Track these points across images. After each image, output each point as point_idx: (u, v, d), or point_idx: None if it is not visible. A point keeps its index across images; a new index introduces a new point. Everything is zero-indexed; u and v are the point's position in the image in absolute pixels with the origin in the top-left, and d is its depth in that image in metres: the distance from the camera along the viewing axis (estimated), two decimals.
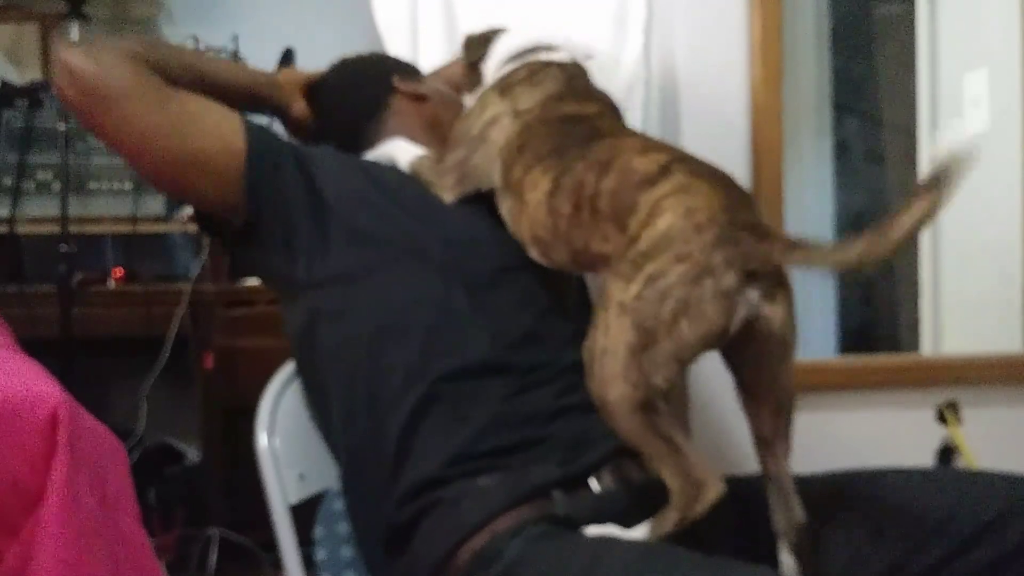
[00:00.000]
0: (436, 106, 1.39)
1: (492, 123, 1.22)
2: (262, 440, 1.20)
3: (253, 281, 2.02)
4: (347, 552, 1.21)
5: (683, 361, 0.96)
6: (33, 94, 2.25)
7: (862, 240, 0.87)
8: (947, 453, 1.59)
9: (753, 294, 0.94)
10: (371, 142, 1.37)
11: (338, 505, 1.22)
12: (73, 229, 2.21)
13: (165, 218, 2.40)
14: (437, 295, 1.17)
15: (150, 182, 1.29)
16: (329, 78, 1.43)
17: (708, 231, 0.95)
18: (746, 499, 1.08)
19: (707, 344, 0.96)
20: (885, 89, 2.32)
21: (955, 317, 2.04)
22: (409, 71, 1.45)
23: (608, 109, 1.23)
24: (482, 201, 1.25)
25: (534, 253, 1.16)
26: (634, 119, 1.53)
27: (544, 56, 1.25)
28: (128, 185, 2.36)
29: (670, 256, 0.95)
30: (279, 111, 1.39)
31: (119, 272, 2.48)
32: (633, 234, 1.00)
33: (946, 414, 1.59)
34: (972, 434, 1.58)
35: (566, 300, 1.22)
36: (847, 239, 0.89)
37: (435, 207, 1.25)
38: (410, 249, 1.19)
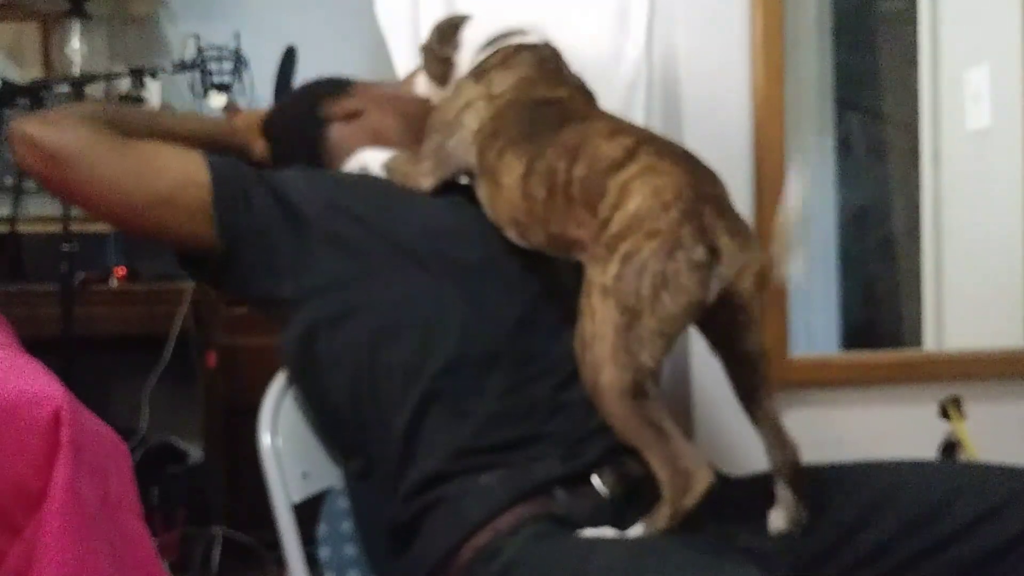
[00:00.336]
0: (372, 113, 1.38)
1: (466, 108, 1.22)
2: (265, 439, 1.20)
3: None
4: (350, 550, 1.21)
5: (668, 336, 0.98)
6: (34, 93, 2.24)
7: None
8: (950, 448, 1.59)
9: (722, 269, 0.98)
10: (333, 166, 1.36)
11: (341, 503, 1.22)
12: (75, 228, 2.21)
13: None
14: (427, 289, 1.17)
15: (126, 232, 1.29)
16: (270, 128, 1.41)
17: (674, 207, 0.99)
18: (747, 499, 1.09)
19: (689, 316, 0.99)
20: (887, 85, 2.31)
21: (958, 312, 2.03)
22: (338, 88, 1.41)
23: (578, 91, 1.24)
24: (461, 192, 1.25)
25: (512, 235, 1.17)
26: (636, 118, 1.52)
27: (517, 40, 1.26)
28: None
29: (641, 234, 0.98)
30: (242, 155, 1.38)
31: (121, 271, 2.49)
32: (605, 217, 1.03)
33: (949, 409, 1.59)
34: (975, 429, 1.58)
35: (557, 282, 1.22)
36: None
37: (412, 203, 1.25)
38: (394, 247, 1.19)
